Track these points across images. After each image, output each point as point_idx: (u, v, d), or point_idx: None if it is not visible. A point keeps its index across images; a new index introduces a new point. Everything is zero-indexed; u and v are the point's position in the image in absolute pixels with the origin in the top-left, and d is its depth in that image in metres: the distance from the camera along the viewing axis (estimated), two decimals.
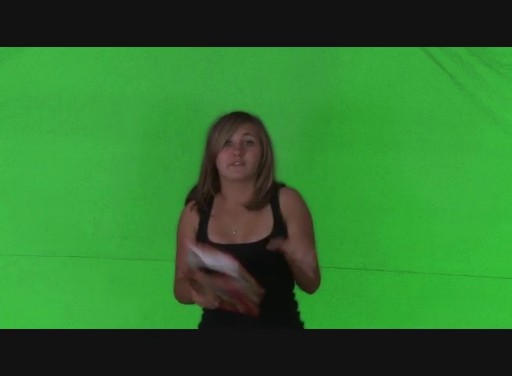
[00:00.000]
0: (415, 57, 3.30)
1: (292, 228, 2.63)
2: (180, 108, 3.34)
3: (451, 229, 3.35)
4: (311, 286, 2.66)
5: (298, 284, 2.67)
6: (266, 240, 2.56)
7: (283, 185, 2.72)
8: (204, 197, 2.68)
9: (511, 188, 3.32)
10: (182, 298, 2.64)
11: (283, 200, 2.65)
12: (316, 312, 3.37)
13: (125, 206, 3.37)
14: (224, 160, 2.61)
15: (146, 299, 3.34)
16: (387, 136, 3.35)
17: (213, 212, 2.68)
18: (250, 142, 2.63)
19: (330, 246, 3.35)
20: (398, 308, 3.36)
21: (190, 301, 2.51)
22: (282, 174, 3.38)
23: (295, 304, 2.70)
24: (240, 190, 2.66)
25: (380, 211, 3.36)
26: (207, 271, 2.38)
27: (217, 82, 3.35)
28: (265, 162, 2.66)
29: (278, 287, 2.61)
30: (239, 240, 2.62)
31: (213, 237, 2.63)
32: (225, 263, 2.37)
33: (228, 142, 2.62)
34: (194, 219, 2.69)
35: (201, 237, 2.63)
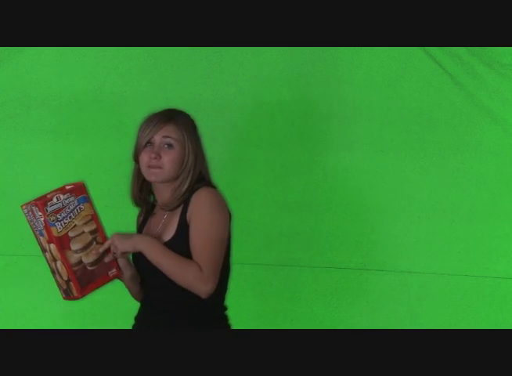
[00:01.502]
0: (415, 57, 3.31)
1: (191, 230, 2.51)
2: (180, 108, 3.34)
3: (451, 229, 3.35)
4: (189, 287, 2.49)
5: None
6: (169, 243, 2.52)
7: (206, 185, 2.58)
8: (138, 198, 2.67)
9: (511, 188, 3.32)
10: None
11: (192, 201, 2.53)
12: (316, 312, 3.38)
13: (125, 206, 3.37)
14: (144, 161, 2.56)
15: None
16: (387, 136, 3.36)
17: (147, 211, 2.70)
18: (170, 146, 2.54)
19: (330, 246, 3.36)
20: (398, 308, 3.37)
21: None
22: (282, 174, 3.40)
23: (208, 305, 2.55)
24: (161, 192, 2.61)
25: (380, 211, 3.36)
26: None
27: (217, 82, 3.35)
28: (186, 166, 2.56)
29: (185, 291, 2.51)
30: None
31: None
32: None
33: (148, 144, 2.56)
34: (138, 223, 2.74)
35: None
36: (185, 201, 2.55)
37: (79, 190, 2.53)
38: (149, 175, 2.56)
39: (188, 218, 2.52)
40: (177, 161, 2.55)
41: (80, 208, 2.53)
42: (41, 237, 2.49)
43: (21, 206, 2.50)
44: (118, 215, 3.37)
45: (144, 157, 2.56)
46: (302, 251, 3.38)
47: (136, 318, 2.71)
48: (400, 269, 3.36)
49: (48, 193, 2.51)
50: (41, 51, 3.32)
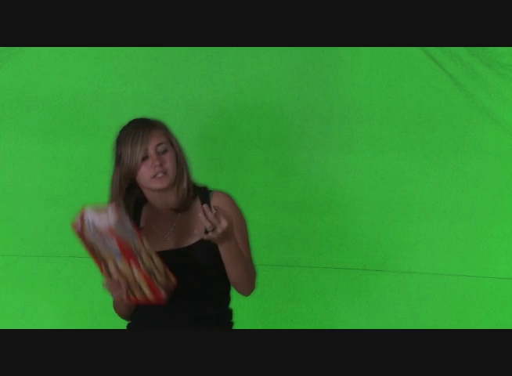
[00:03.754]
0: (415, 57, 3.30)
1: None
2: (180, 108, 3.34)
3: (451, 230, 3.35)
4: (245, 285, 2.61)
5: (233, 284, 2.63)
6: (197, 244, 2.56)
7: (205, 187, 2.68)
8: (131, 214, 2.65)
9: (511, 188, 3.32)
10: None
11: (216, 202, 2.61)
12: (316, 312, 3.38)
13: None
14: (146, 174, 2.59)
15: None
16: (387, 136, 3.35)
17: (142, 224, 2.67)
18: (165, 151, 2.60)
19: (330, 246, 3.36)
20: (398, 308, 3.36)
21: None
22: (282, 174, 3.40)
23: (228, 305, 2.67)
24: (164, 196, 2.64)
25: (380, 211, 3.36)
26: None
27: (217, 82, 3.35)
28: (179, 163, 2.63)
29: (213, 288, 2.60)
30: (172, 246, 2.61)
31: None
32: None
33: (145, 157, 2.59)
34: None
35: None
36: (202, 202, 2.60)
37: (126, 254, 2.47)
38: (156, 184, 2.59)
39: None
40: (175, 162, 2.61)
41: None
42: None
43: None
44: None
45: (145, 171, 2.59)
46: (302, 251, 3.38)
47: (143, 319, 2.68)
48: (400, 269, 3.36)
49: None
50: (41, 51, 3.31)
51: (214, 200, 2.62)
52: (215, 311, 2.62)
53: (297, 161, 3.35)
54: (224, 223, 2.43)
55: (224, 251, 2.52)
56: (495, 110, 3.30)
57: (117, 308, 2.69)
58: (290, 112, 3.35)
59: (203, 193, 2.65)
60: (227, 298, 2.67)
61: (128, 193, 2.67)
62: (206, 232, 2.46)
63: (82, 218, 2.46)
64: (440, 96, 3.32)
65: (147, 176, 2.59)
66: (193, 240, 2.59)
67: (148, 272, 2.44)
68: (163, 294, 2.46)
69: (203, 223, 2.44)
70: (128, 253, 2.41)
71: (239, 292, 2.65)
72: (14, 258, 3.37)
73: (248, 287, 2.62)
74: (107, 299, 3.38)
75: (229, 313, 2.67)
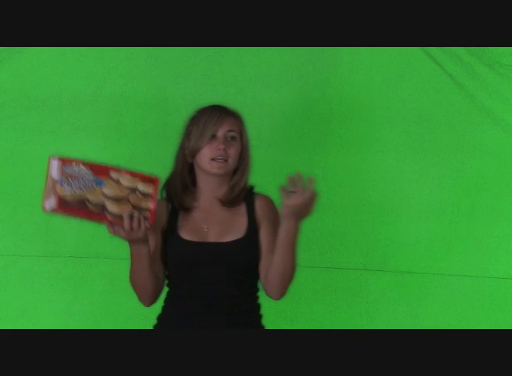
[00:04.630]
0: (415, 57, 3.30)
1: (266, 233, 2.62)
2: (180, 108, 3.34)
3: (451, 230, 3.35)
4: (284, 281, 2.61)
5: (272, 280, 2.61)
6: (240, 241, 2.57)
7: (251, 188, 2.70)
8: (180, 191, 2.65)
9: (511, 188, 3.32)
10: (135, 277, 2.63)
11: (260, 204, 2.65)
12: (316, 312, 3.38)
13: None
14: (207, 154, 2.59)
15: None
16: (387, 136, 3.35)
17: (188, 204, 2.65)
18: (233, 138, 2.62)
19: (330, 246, 3.36)
20: (398, 308, 3.36)
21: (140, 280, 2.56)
22: (282, 174, 3.39)
23: (259, 306, 2.68)
24: (217, 185, 2.64)
25: (380, 211, 3.36)
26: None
27: (217, 82, 3.35)
28: (243, 158, 2.65)
29: (246, 288, 2.62)
30: (211, 239, 2.60)
31: (184, 234, 2.61)
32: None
33: (213, 137, 2.61)
34: (163, 215, 2.65)
35: (172, 233, 2.61)
36: (246, 201, 2.63)
37: (102, 172, 2.49)
38: (214, 168, 2.59)
39: (258, 220, 2.61)
40: (238, 154, 2.63)
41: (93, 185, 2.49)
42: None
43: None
44: None
45: (207, 151, 2.59)
46: (302, 251, 3.36)
47: (167, 318, 2.67)
48: (400, 269, 3.36)
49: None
50: (41, 51, 3.31)
51: (258, 202, 2.65)
52: (248, 306, 2.62)
53: (297, 161, 3.35)
54: (312, 188, 2.50)
55: (291, 229, 2.52)
56: (495, 110, 3.30)
57: (135, 277, 2.64)
58: (290, 112, 3.35)
59: (248, 194, 2.67)
60: (257, 294, 2.67)
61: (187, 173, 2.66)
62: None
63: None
64: (440, 96, 3.32)
65: (208, 157, 2.59)
66: (234, 236, 2.59)
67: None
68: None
69: (289, 187, 2.48)
70: (102, 169, 2.45)
71: (269, 293, 2.62)
72: (14, 258, 3.37)
73: (283, 287, 2.61)
74: (107, 299, 3.39)
75: (259, 307, 2.67)
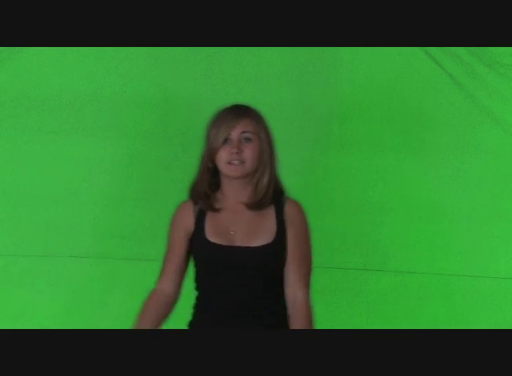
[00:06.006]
0: (415, 57, 3.31)
1: (292, 239, 2.61)
2: (180, 108, 3.34)
3: (451, 230, 3.35)
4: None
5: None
6: (268, 246, 2.56)
7: (282, 192, 2.68)
8: (204, 195, 2.63)
9: (511, 188, 3.32)
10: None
11: (290, 210, 2.62)
12: (316, 312, 3.37)
13: (125, 206, 3.37)
14: (223, 157, 2.57)
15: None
16: (387, 136, 3.36)
17: (215, 206, 2.63)
18: (248, 139, 2.58)
19: (330, 246, 3.36)
20: (398, 308, 3.37)
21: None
22: (282, 174, 3.39)
23: (285, 307, 2.66)
24: (240, 188, 2.61)
25: (380, 211, 3.36)
26: None
27: (217, 82, 3.35)
28: (263, 158, 2.61)
29: (271, 291, 2.61)
30: (238, 242, 2.58)
31: (211, 237, 2.59)
32: None
33: (226, 140, 2.58)
34: (188, 219, 2.63)
35: (199, 236, 2.60)
36: (275, 206, 2.61)
37: None
38: (230, 171, 2.57)
39: (287, 226, 2.59)
40: (256, 155, 2.59)
41: None
42: None
43: None
44: (118, 214, 3.38)
45: (223, 154, 2.57)
46: None
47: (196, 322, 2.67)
48: (400, 269, 3.36)
49: None
50: (41, 51, 3.31)
51: (288, 207, 2.62)
52: (274, 308, 2.62)
53: (297, 161, 3.35)
54: None
55: None
56: (495, 110, 3.30)
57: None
58: (290, 112, 3.35)
59: (277, 197, 2.64)
60: (283, 296, 2.65)
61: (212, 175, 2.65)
62: None
63: None
64: (440, 96, 3.33)
65: (224, 160, 2.57)
66: (262, 241, 2.57)
67: None
68: None
69: None
70: None
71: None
72: (14, 258, 3.38)
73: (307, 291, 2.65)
74: (107, 299, 3.39)
75: (285, 309, 2.65)
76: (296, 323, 2.58)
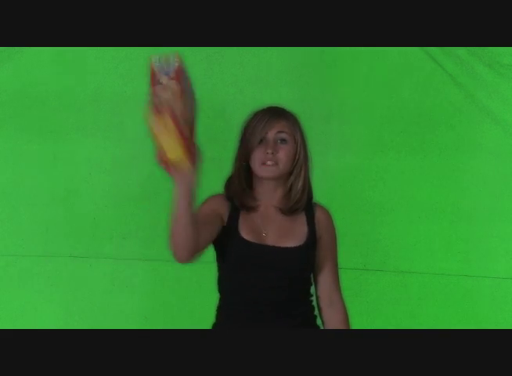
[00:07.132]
0: (415, 57, 3.31)
1: (327, 244, 2.64)
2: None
3: (451, 230, 3.35)
4: None
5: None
6: (300, 248, 2.56)
7: (311, 197, 2.67)
8: (241, 191, 2.59)
9: (511, 188, 3.32)
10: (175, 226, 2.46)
11: (321, 216, 2.63)
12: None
13: (125, 206, 3.37)
14: (257, 158, 2.55)
15: (145, 299, 3.34)
16: (387, 136, 3.36)
17: (249, 204, 2.60)
18: (283, 141, 2.56)
19: None
20: (398, 308, 3.37)
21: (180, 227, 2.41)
22: None
23: (313, 307, 2.68)
24: (272, 189, 2.59)
25: (380, 211, 3.36)
26: None
27: (217, 82, 3.35)
28: (298, 161, 2.59)
29: (300, 292, 2.61)
30: (270, 242, 2.57)
31: (244, 234, 2.56)
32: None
33: (262, 140, 2.56)
34: (223, 209, 2.58)
35: (232, 232, 2.56)
36: (305, 210, 2.60)
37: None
38: (264, 172, 2.55)
39: (318, 231, 2.60)
40: (291, 156, 2.57)
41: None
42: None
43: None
44: (118, 214, 3.38)
45: (257, 155, 2.55)
46: None
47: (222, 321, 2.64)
48: (400, 269, 3.37)
49: None
50: (41, 51, 3.31)
51: (318, 212, 2.63)
52: (302, 308, 2.62)
53: None
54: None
55: None
56: (495, 110, 3.30)
57: (176, 222, 2.44)
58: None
59: (307, 203, 2.63)
60: (311, 296, 2.67)
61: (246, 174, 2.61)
62: None
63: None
64: (440, 96, 3.33)
65: (258, 161, 2.55)
66: (294, 243, 2.56)
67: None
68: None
69: None
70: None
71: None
72: (14, 258, 3.38)
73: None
74: (107, 299, 3.39)
75: (313, 308, 2.68)
76: (336, 323, 2.67)
